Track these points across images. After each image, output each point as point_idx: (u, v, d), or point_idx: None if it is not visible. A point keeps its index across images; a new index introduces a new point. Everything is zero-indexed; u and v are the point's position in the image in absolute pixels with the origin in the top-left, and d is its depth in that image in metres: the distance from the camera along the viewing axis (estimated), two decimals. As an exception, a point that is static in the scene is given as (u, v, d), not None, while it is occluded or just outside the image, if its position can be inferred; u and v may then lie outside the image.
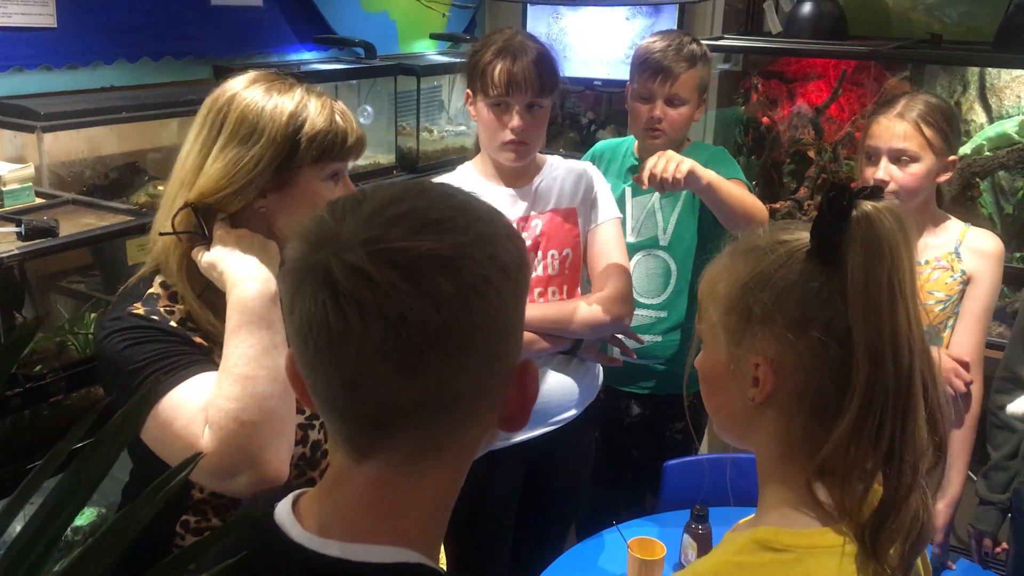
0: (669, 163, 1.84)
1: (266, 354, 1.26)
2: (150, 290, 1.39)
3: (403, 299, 0.70)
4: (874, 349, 0.94)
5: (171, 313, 1.36)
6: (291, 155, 1.34)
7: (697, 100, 2.25)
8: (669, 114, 2.21)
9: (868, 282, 0.94)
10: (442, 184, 0.80)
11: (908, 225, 0.97)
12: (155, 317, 1.34)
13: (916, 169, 1.98)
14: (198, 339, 1.35)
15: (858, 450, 0.95)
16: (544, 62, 1.91)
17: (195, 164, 1.36)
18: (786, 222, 1.14)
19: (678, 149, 2.20)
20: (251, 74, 1.41)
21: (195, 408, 1.25)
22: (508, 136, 1.93)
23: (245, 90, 1.37)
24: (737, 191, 1.99)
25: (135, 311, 1.35)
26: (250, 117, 1.33)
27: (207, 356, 1.33)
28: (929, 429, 0.97)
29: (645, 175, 1.87)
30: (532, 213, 2.02)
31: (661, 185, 1.86)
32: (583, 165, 2.12)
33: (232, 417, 1.22)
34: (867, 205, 0.95)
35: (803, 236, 1.01)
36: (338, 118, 1.38)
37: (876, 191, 0.98)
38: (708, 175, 1.91)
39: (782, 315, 0.98)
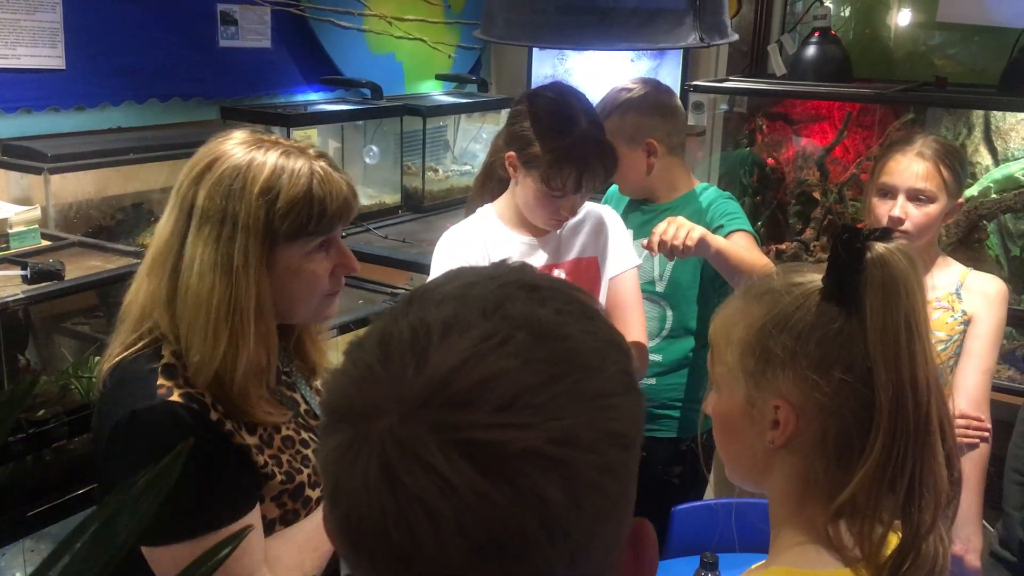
0: (680, 230, 1.83)
1: None
2: (163, 361, 1.24)
3: (493, 512, 0.51)
4: (896, 389, 0.94)
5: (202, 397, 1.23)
6: (267, 235, 1.23)
7: (632, 146, 2.17)
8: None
9: (887, 323, 0.95)
10: (530, 311, 0.57)
11: (918, 265, 0.98)
12: (195, 406, 1.21)
13: (931, 209, 1.98)
14: (228, 425, 1.24)
15: (879, 491, 0.94)
16: (608, 158, 1.85)
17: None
18: (796, 264, 1.13)
19: (659, 194, 2.22)
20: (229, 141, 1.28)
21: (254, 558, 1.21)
22: (558, 215, 1.91)
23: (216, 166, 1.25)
24: (747, 255, 1.97)
25: (170, 397, 1.21)
26: (217, 199, 1.22)
27: (246, 465, 1.25)
28: (946, 466, 0.97)
29: (655, 241, 1.85)
30: (553, 263, 2.00)
31: (671, 252, 1.85)
32: (602, 210, 2.09)
33: None
34: (880, 247, 0.96)
35: (816, 278, 1.01)
36: (315, 185, 1.24)
37: (886, 233, 0.99)
38: (718, 242, 1.90)
39: (805, 357, 0.97)
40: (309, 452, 1.34)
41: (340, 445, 0.55)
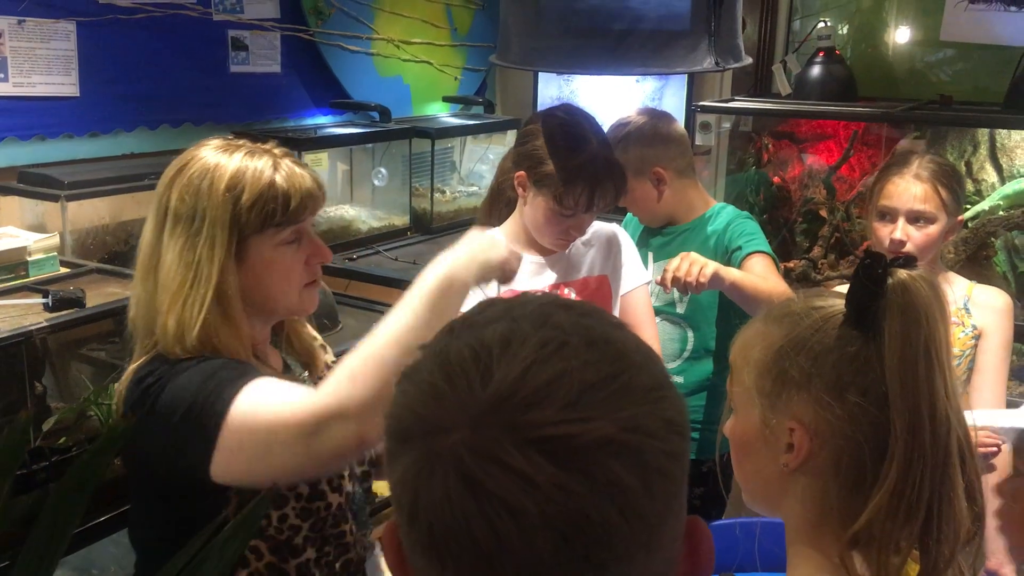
0: (693, 266, 1.84)
1: (412, 333, 1.18)
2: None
3: (575, 503, 0.53)
4: (912, 417, 0.94)
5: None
6: (233, 228, 1.29)
7: (639, 178, 2.20)
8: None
9: (905, 350, 0.94)
10: (575, 321, 0.61)
11: (943, 294, 0.98)
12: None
13: (932, 230, 1.99)
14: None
15: (896, 520, 0.93)
16: (619, 177, 1.87)
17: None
18: (818, 290, 1.14)
19: (685, 214, 2.23)
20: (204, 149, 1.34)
21: (278, 397, 1.19)
22: (567, 235, 1.92)
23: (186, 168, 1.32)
24: (763, 285, 1.97)
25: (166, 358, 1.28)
26: (187, 199, 1.29)
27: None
28: (967, 499, 0.96)
29: (668, 278, 1.87)
30: (563, 282, 2.00)
31: (684, 288, 1.87)
32: (612, 228, 2.10)
33: (351, 375, 1.15)
34: (902, 273, 0.96)
35: (837, 303, 1.02)
36: (279, 179, 1.30)
37: (910, 260, 0.99)
38: (731, 275, 1.91)
39: (819, 379, 0.98)
40: None
41: (414, 462, 0.57)
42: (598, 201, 1.85)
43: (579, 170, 1.81)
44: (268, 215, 1.29)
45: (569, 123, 1.87)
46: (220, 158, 1.30)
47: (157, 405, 1.24)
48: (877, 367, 0.95)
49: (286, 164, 1.33)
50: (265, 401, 1.19)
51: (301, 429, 1.13)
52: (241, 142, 1.35)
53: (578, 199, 1.82)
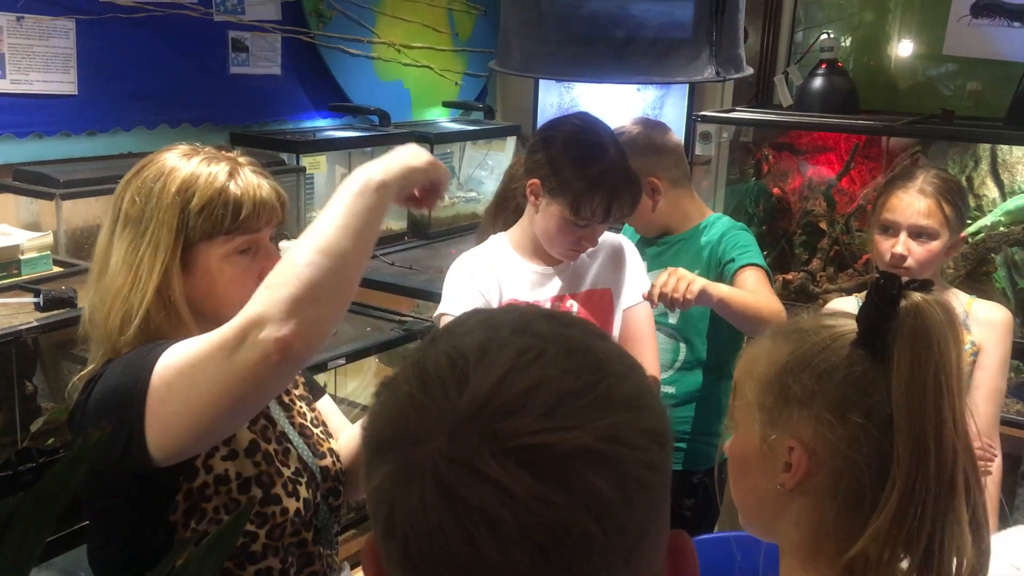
0: (680, 282, 1.82)
1: (332, 234, 1.14)
2: None
3: (553, 513, 0.52)
4: (917, 443, 0.91)
5: None
6: (179, 232, 1.25)
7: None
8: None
9: (914, 374, 0.92)
10: (556, 330, 0.60)
11: (957, 320, 0.95)
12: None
13: (934, 246, 1.98)
14: None
15: (894, 549, 0.91)
16: (636, 188, 1.85)
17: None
18: (830, 310, 1.12)
19: (681, 224, 2.22)
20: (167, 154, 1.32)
21: (202, 338, 1.15)
22: (578, 245, 1.90)
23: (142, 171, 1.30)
24: (752, 300, 1.96)
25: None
26: (139, 201, 1.26)
27: None
28: (971, 533, 0.94)
29: (655, 294, 1.85)
30: (567, 293, 1.98)
31: (671, 304, 1.85)
32: (618, 239, 2.07)
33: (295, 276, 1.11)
34: (916, 296, 0.94)
35: (848, 323, 1.00)
36: (232, 186, 1.26)
37: (926, 284, 0.97)
38: (720, 291, 1.89)
39: (823, 397, 0.95)
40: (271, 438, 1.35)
41: (390, 473, 0.55)
42: (615, 211, 1.82)
43: (597, 179, 1.78)
44: (216, 221, 1.25)
45: (586, 131, 1.85)
46: (178, 162, 1.27)
47: (90, 401, 1.21)
48: (883, 389, 0.93)
49: (245, 172, 1.29)
50: (190, 343, 1.16)
51: (224, 347, 1.10)
52: (206, 148, 1.32)
53: (595, 209, 1.79)
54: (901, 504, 0.91)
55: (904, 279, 0.96)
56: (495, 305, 1.89)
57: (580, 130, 1.85)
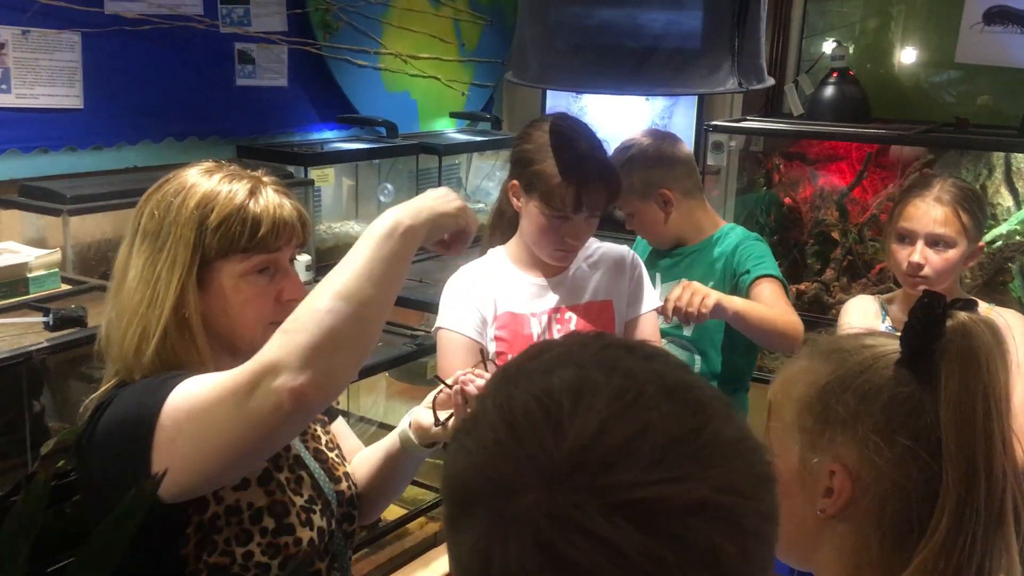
0: (694, 297, 1.81)
1: (356, 281, 1.10)
2: None
3: (666, 572, 0.49)
4: (967, 469, 0.88)
5: None
6: (196, 249, 1.23)
7: (645, 200, 2.20)
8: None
9: (963, 396, 0.89)
10: (646, 367, 0.56)
11: (1004, 341, 0.92)
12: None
13: (951, 255, 1.96)
14: None
15: None
16: (610, 179, 1.82)
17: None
18: (870, 330, 1.09)
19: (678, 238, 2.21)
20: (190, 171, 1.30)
21: (215, 377, 1.11)
22: (563, 244, 1.87)
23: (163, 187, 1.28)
24: (768, 313, 1.94)
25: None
26: (157, 215, 1.24)
27: None
28: (1022, 564, 0.91)
29: (669, 308, 1.83)
30: (565, 305, 1.94)
31: (686, 318, 1.83)
32: (621, 250, 2.04)
33: (309, 321, 1.07)
34: (963, 315, 0.91)
35: (890, 343, 0.96)
36: (252, 204, 1.23)
37: (970, 304, 0.94)
38: (735, 304, 1.88)
39: (868, 418, 0.92)
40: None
41: (483, 531, 0.51)
42: (586, 200, 1.79)
43: (566, 168, 1.77)
44: (233, 238, 1.22)
45: (559, 126, 1.84)
46: (199, 178, 1.25)
47: (97, 430, 1.18)
48: (931, 412, 0.90)
49: (267, 191, 1.26)
50: (202, 383, 1.12)
51: (236, 393, 1.06)
52: (231, 166, 1.30)
53: (565, 199, 1.77)
54: (951, 532, 0.87)
55: (948, 299, 0.93)
56: (490, 319, 1.87)
57: (553, 124, 1.84)
